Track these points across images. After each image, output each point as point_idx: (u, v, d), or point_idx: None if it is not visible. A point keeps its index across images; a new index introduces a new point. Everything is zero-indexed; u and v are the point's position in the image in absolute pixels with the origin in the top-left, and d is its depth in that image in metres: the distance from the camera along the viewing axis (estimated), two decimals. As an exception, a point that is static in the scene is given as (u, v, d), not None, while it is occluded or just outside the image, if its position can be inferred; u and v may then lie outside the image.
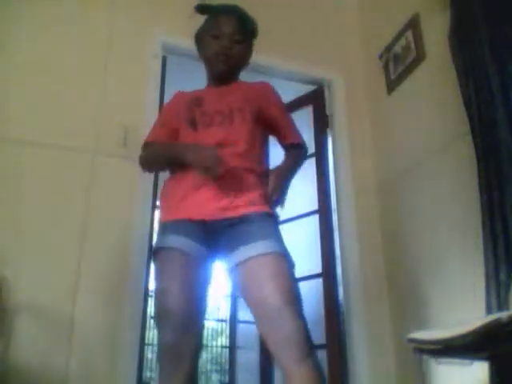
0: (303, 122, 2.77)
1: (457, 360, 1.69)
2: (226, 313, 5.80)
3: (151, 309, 1.61)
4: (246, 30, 1.62)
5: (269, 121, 1.62)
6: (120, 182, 2.33)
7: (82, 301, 2.08)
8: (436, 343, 1.35)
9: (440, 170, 2.29)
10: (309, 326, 1.24)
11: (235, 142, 1.48)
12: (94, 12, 2.60)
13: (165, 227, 1.46)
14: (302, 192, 2.34)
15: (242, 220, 1.38)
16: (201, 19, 1.69)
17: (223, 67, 1.60)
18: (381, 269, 2.66)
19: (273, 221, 1.44)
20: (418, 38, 2.54)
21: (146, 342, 2.36)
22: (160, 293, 1.35)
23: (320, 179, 2.83)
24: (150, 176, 2.34)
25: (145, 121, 2.23)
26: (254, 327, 1.35)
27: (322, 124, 2.95)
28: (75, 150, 2.31)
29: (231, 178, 1.40)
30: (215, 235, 1.41)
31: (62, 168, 2.26)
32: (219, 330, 6.24)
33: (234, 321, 4.82)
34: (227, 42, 1.57)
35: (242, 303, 4.21)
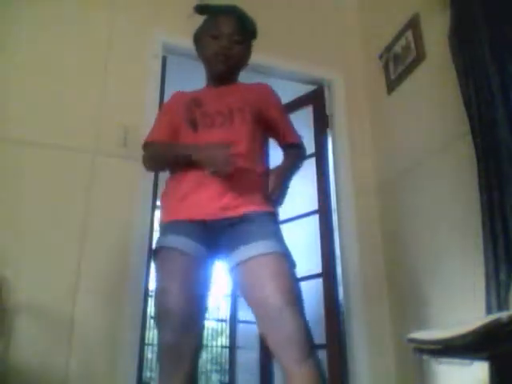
0: (303, 122, 2.78)
1: (457, 360, 1.69)
2: (226, 313, 5.80)
3: (151, 309, 1.61)
4: (245, 30, 1.62)
5: (268, 122, 1.62)
6: (120, 182, 2.33)
7: (82, 301, 2.08)
8: (436, 343, 1.35)
9: (440, 169, 2.29)
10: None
11: (236, 142, 1.47)
12: (94, 12, 2.60)
13: (165, 227, 1.46)
14: (302, 192, 2.34)
15: (243, 219, 1.39)
16: (201, 19, 1.69)
17: (222, 67, 1.60)
18: (381, 269, 2.66)
19: (273, 220, 1.45)
20: (418, 38, 2.54)
21: (146, 342, 2.36)
22: (160, 293, 1.35)
23: (320, 179, 2.83)
24: (150, 176, 2.35)
25: (145, 121, 2.23)
26: (254, 327, 1.35)
27: (321, 124, 2.95)
28: (75, 149, 2.31)
29: (232, 177, 1.40)
30: (216, 235, 1.41)
31: (62, 168, 2.26)
32: (219, 329, 6.24)
33: (234, 321, 4.81)
34: (226, 42, 1.57)
35: (242, 303, 4.21)
